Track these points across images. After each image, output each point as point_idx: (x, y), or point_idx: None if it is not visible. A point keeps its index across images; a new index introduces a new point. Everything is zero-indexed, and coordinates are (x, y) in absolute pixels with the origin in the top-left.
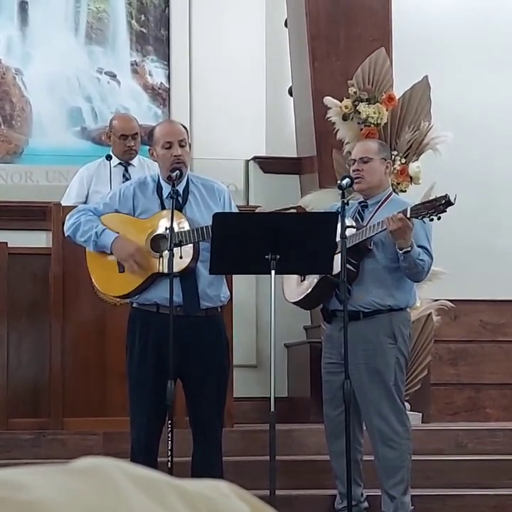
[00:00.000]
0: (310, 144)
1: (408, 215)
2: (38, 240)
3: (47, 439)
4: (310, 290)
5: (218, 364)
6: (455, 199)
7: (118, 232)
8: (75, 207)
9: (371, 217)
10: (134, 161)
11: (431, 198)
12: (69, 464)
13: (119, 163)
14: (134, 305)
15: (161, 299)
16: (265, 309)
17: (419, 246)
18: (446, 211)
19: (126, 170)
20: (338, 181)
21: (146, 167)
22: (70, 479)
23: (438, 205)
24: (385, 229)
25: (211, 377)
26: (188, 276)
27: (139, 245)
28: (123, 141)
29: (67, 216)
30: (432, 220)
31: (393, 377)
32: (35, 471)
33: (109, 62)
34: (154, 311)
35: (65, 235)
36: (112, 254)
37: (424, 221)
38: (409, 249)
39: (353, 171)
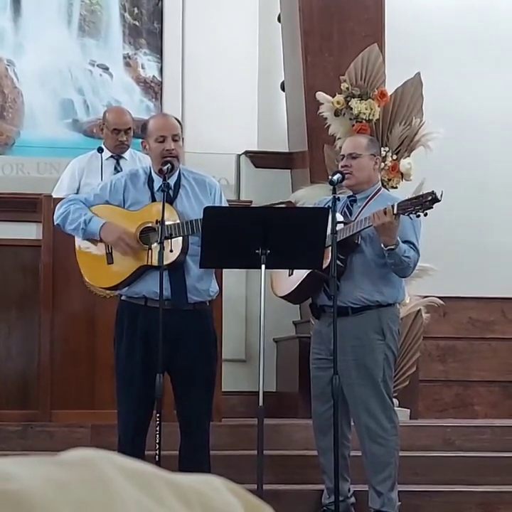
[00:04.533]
0: (301, 139)
1: (394, 212)
2: (29, 231)
3: (35, 431)
4: (298, 284)
5: (206, 358)
6: (441, 195)
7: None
8: (63, 198)
9: (360, 212)
10: (126, 154)
11: (417, 194)
12: (58, 456)
13: (111, 156)
14: (123, 297)
15: (149, 292)
16: (255, 304)
17: (406, 241)
18: (432, 207)
19: (117, 163)
20: (330, 177)
21: (137, 160)
22: (59, 471)
23: (424, 202)
24: (372, 225)
25: (199, 370)
26: (177, 269)
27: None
28: (115, 135)
29: (57, 205)
30: (418, 216)
31: (381, 373)
32: (23, 461)
33: (101, 54)
34: (142, 304)
35: (54, 223)
36: (101, 241)
37: (410, 217)
38: (393, 247)
39: (342, 166)
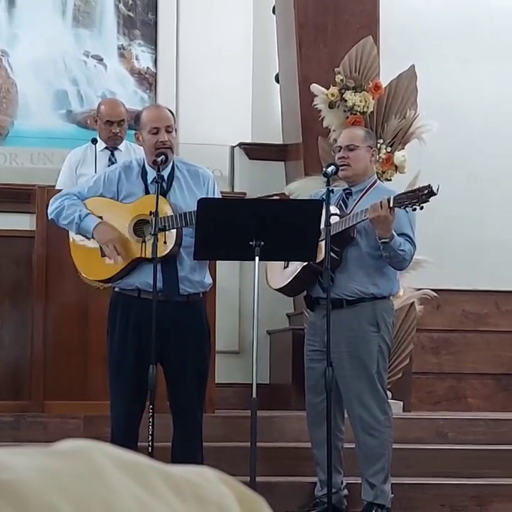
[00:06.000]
0: (296, 131)
1: (391, 205)
2: (22, 222)
3: (27, 422)
4: (293, 277)
5: (198, 350)
6: (438, 189)
7: (101, 217)
8: (60, 190)
9: (355, 205)
10: (121, 146)
11: (414, 188)
12: (51, 446)
13: (106, 148)
14: (116, 289)
15: (142, 283)
16: (248, 296)
17: (402, 233)
18: (429, 201)
19: (112, 154)
20: (324, 169)
21: (132, 152)
22: (52, 461)
23: (421, 195)
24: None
25: (191, 362)
26: (170, 261)
27: (120, 233)
28: (108, 126)
29: (52, 200)
30: (414, 209)
31: (376, 365)
32: (16, 452)
33: (95, 45)
34: (135, 296)
35: (49, 218)
36: (93, 238)
37: (406, 210)
38: (387, 240)
39: (339, 158)
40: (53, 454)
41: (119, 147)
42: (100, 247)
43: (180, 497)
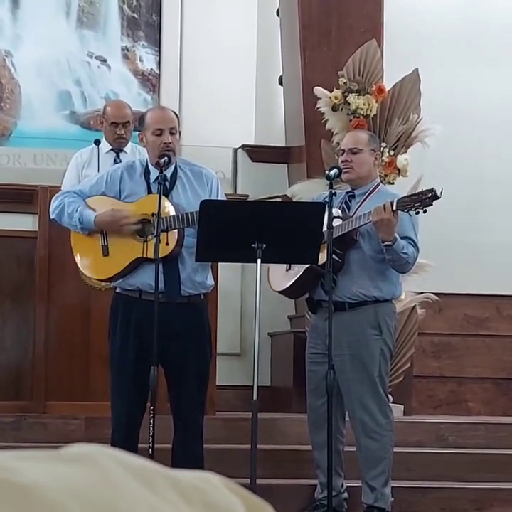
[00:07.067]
0: (299, 133)
1: (394, 208)
2: (25, 222)
3: (28, 423)
4: (295, 279)
5: (199, 351)
6: (441, 193)
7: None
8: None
9: (358, 208)
10: (127, 148)
11: (417, 191)
12: (60, 451)
13: (111, 149)
14: (117, 290)
15: (143, 284)
16: (250, 298)
17: (405, 237)
18: (432, 204)
19: (118, 156)
20: (326, 172)
21: (137, 154)
22: (62, 466)
23: (424, 199)
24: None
25: (192, 364)
26: (171, 261)
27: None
28: (114, 128)
29: (53, 199)
30: (417, 213)
31: (378, 368)
32: (25, 456)
33: (99, 46)
34: (137, 297)
35: (50, 217)
36: (97, 232)
37: (409, 214)
38: (390, 243)
39: (342, 161)
40: (63, 460)
41: (125, 149)
42: (102, 246)
43: (188, 503)
